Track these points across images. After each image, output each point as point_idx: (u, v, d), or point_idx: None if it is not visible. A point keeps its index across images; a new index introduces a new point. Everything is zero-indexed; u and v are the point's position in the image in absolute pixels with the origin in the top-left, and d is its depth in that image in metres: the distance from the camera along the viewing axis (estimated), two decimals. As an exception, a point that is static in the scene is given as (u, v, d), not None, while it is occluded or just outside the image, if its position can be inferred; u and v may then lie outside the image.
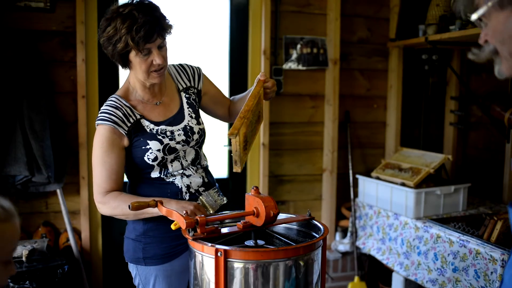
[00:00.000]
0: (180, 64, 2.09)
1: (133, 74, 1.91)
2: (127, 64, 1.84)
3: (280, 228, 1.89)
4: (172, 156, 1.92)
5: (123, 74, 3.36)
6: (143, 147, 1.87)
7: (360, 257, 3.67)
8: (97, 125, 1.87)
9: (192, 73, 2.07)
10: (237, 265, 1.50)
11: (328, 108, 3.67)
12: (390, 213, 3.17)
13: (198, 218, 1.60)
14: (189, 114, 2.00)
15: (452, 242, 2.61)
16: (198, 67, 2.11)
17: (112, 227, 3.42)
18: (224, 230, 1.72)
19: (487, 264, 2.37)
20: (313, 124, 3.71)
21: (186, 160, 1.97)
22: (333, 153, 3.67)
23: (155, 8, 1.79)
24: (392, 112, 3.80)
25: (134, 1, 1.78)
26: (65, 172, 3.07)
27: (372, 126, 3.88)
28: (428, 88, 3.82)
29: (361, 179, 3.42)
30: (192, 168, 1.98)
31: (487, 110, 3.24)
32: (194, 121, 1.99)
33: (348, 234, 3.59)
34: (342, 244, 3.63)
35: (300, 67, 3.59)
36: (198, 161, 2.02)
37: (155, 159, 1.88)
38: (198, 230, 1.60)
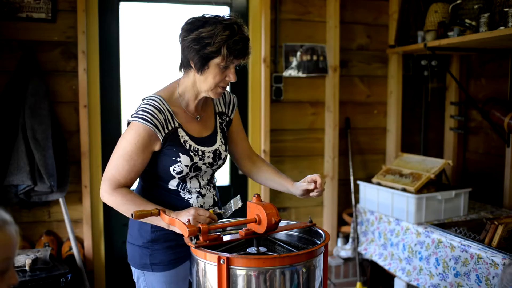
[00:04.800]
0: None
1: (189, 81, 1.89)
2: (203, 68, 1.81)
3: (281, 235, 1.90)
4: (194, 174, 1.91)
5: (125, 83, 3.39)
6: (173, 158, 1.85)
7: (362, 263, 3.67)
8: (134, 120, 1.82)
9: (229, 101, 2.08)
10: (240, 272, 1.51)
11: (328, 114, 3.68)
12: (391, 218, 3.17)
13: (201, 226, 1.61)
14: (220, 138, 2.00)
15: (454, 247, 2.62)
16: (235, 96, 2.12)
17: (114, 235, 3.43)
18: (227, 238, 1.73)
19: (488, 268, 2.38)
20: (314, 131, 3.72)
21: (203, 179, 1.97)
22: (334, 159, 3.68)
23: (247, 31, 1.86)
24: (392, 118, 3.82)
25: (233, 17, 1.84)
26: (67, 181, 3.08)
27: (372, 132, 3.89)
28: (428, 93, 3.84)
29: (362, 185, 3.43)
30: (207, 187, 1.98)
31: (487, 115, 3.26)
32: (223, 147, 2.00)
33: (350, 240, 3.60)
34: (344, 250, 3.64)
35: (300, 74, 3.61)
36: (212, 181, 2.04)
37: (180, 172, 1.86)
38: (201, 238, 1.61)
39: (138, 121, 1.80)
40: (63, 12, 3.14)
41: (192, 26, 1.81)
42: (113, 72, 3.35)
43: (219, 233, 1.73)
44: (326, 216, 3.76)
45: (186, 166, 1.86)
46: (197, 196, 1.93)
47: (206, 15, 1.83)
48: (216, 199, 2.03)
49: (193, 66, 1.82)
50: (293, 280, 1.55)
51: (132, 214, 1.68)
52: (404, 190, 3.06)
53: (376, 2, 3.79)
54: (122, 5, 3.34)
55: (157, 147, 1.84)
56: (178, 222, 1.66)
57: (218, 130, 2.00)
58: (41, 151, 2.91)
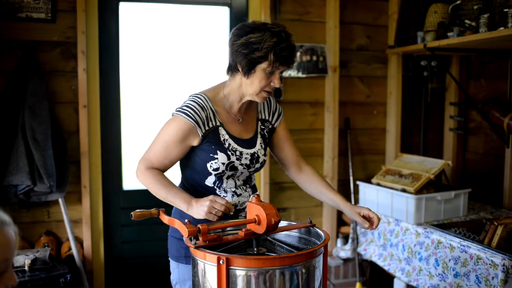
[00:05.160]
0: (270, 97, 2.13)
1: (235, 84, 1.95)
2: (249, 72, 1.87)
3: (281, 235, 1.90)
4: (230, 173, 1.97)
5: (125, 84, 3.38)
6: (211, 154, 1.93)
7: (362, 264, 3.67)
8: (178, 114, 1.91)
9: (274, 110, 2.13)
10: (239, 273, 1.51)
11: (328, 115, 3.68)
12: (391, 219, 3.17)
13: (200, 227, 1.61)
14: (260, 143, 2.05)
15: (453, 248, 2.62)
16: (281, 107, 2.18)
17: (113, 235, 3.43)
18: (226, 238, 1.73)
19: (488, 269, 2.38)
20: (314, 131, 3.72)
21: (239, 180, 2.02)
22: (334, 159, 3.68)
23: (293, 40, 1.90)
24: (392, 118, 3.82)
25: (281, 26, 1.89)
26: (67, 181, 3.08)
27: (372, 133, 3.89)
28: (428, 94, 3.84)
29: (362, 185, 3.43)
30: (243, 187, 2.04)
31: (486, 116, 3.26)
32: (262, 151, 2.06)
33: (349, 240, 3.60)
34: (343, 251, 3.64)
35: (300, 74, 3.61)
36: (249, 182, 2.08)
37: (217, 169, 1.93)
38: (200, 238, 1.61)
39: (181, 115, 1.90)
40: (63, 12, 3.14)
41: (242, 32, 1.87)
42: (112, 72, 3.35)
43: (218, 233, 1.73)
44: (326, 216, 3.76)
45: (223, 163, 1.93)
46: (232, 195, 2.00)
47: (256, 22, 1.90)
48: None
49: (240, 69, 1.88)
50: (292, 280, 1.55)
51: (131, 215, 1.70)
52: (403, 190, 3.06)
53: (376, 3, 3.79)
54: (121, 5, 3.34)
55: (195, 142, 1.93)
56: (177, 222, 1.67)
57: (259, 136, 2.06)
58: (40, 151, 2.90)
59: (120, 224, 3.42)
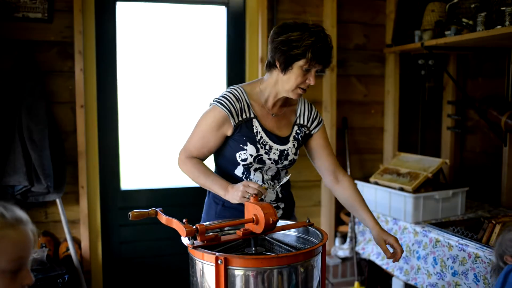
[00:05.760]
0: (312, 105, 2.20)
1: (272, 80, 2.02)
2: (286, 68, 1.93)
3: (279, 235, 1.89)
4: (257, 166, 2.04)
5: (122, 83, 3.38)
6: (241, 145, 2.01)
7: (360, 263, 3.67)
8: (214, 103, 2.01)
9: (314, 117, 2.17)
10: (238, 273, 1.51)
11: (325, 114, 3.68)
12: (389, 218, 3.17)
13: (198, 226, 1.61)
14: (292, 142, 2.10)
15: (451, 246, 2.62)
16: (321, 117, 2.20)
17: (111, 236, 3.42)
18: (224, 238, 1.72)
19: (486, 267, 2.38)
20: (311, 130, 3.71)
21: (267, 174, 2.09)
22: (332, 159, 3.67)
23: (331, 41, 1.96)
24: (390, 117, 3.82)
25: (321, 26, 1.95)
26: (64, 182, 3.08)
27: (369, 132, 3.89)
28: (425, 93, 3.84)
29: (360, 184, 3.43)
30: (270, 182, 2.09)
31: (484, 114, 3.26)
32: (293, 150, 2.10)
33: (348, 239, 3.60)
34: (341, 250, 3.64)
35: (297, 73, 3.60)
36: (278, 177, 2.12)
37: (245, 160, 2.02)
38: (198, 238, 1.61)
39: (216, 104, 2.00)
40: (60, 12, 3.13)
41: (282, 30, 1.93)
42: (110, 72, 3.34)
43: (216, 233, 1.73)
44: (324, 215, 3.75)
45: (251, 155, 2.00)
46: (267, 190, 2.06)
47: (297, 21, 1.96)
48: (281, 195, 2.13)
49: (278, 66, 1.95)
50: (291, 280, 1.54)
51: (129, 215, 1.71)
52: (401, 189, 3.06)
53: (373, 2, 3.79)
54: (118, 4, 3.33)
55: (229, 132, 2.01)
56: (175, 222, 1.66)
57: (292, 138, 2.10)
58: (37, 152, 2.90)
59: (118, 224, 3.42)
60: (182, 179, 3.52)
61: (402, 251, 1.99)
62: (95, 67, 3.26)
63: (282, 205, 2.13)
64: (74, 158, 3.19)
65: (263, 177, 2.07)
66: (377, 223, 2.07)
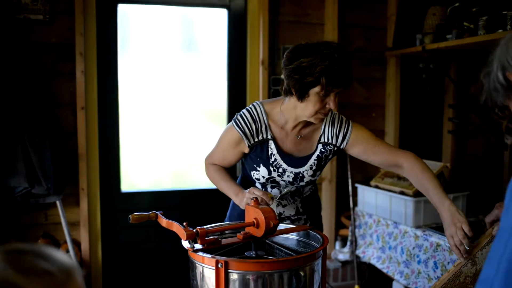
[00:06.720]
0: (335, 117, 2.05)
1: (290, 104, 1.94)
2: (303, 96, 1.84)
3: (280, 238, 1.89)
4: (273, 184, 2.07)
5: (123, 85, 3.38)
6: (254, 165, 2.04)
7: (360, 266, 3.66)
8: (232, 122, 2.03)
9: (338, 131, 2.03)
10: (238, 276, 1.50)
11: (326, 117, 3.67)
12: (389, 221, 3.17)
13: (198, 230, 1.60)
14: (311, 164, 2.03)
15: (452, 251, 2.61)
16: (349, 126, 2.05)
17: (111, 238, 3.41)
18: (225, 241, 1.72)
19: (487, 272, 2.37)
20: (312, 133, 3.71)
21: (284, 190, 2.09)
22: (332, 162, 3.67)
23: (350, 59, 1.84)
24: (391, 120, 3.81)
25: (335, 44, 1.83)
26: (64, 184, 3.07)
27: (370, 135, 3.88)
28: (426, 96, 3.84)
29: (360, 188, 3.42)
30: (289, 199, 2.10)
31: (485, 118, 3.25)
32: (310, 172, 2.04)
33: (348, 243, 3.59)
34: (342, 253, 3.63)
35: (298, 76, 3.60)
36: (297, 193, 2.11)
37: (259, 179, 2.06)
38: (199, 241, 1.61)
39: (233, 123, 2.02)
40: (61, 14, 3.13)
41: (294, 55, 1.83)
42: (110, 74, 3.34)
43: (217, 236, 1.73)
44: (324, 219, 3.73)
45: (263, 177, 2.03)
46: (277, 204, 2.10)
47: (309, 43, 1.84)
48: (301, 210, 2.12)
49: (294, 93, 1.86)
50: (291, 284, 1.54)
51: (129, 218, 1.71)
52: (402, 193, 3.05)
53: (374, 5, 3.79)
54: (120, 7, 3.34)
55: (246, 150, 2.03)
56: (175, 225, 1.66)
57: (314, 157, 2.03)
58: (38, 154, 2.90)
59: (118, 226, 3.41)
60: (182, 182, 3.52)
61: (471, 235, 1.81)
62: (96, 69, 3.26)
63: (303, 217, 2.14)
64: (75, 160, 3.19)
65: (280, 193, 2.09)
66: (451, 204, 1.84)
